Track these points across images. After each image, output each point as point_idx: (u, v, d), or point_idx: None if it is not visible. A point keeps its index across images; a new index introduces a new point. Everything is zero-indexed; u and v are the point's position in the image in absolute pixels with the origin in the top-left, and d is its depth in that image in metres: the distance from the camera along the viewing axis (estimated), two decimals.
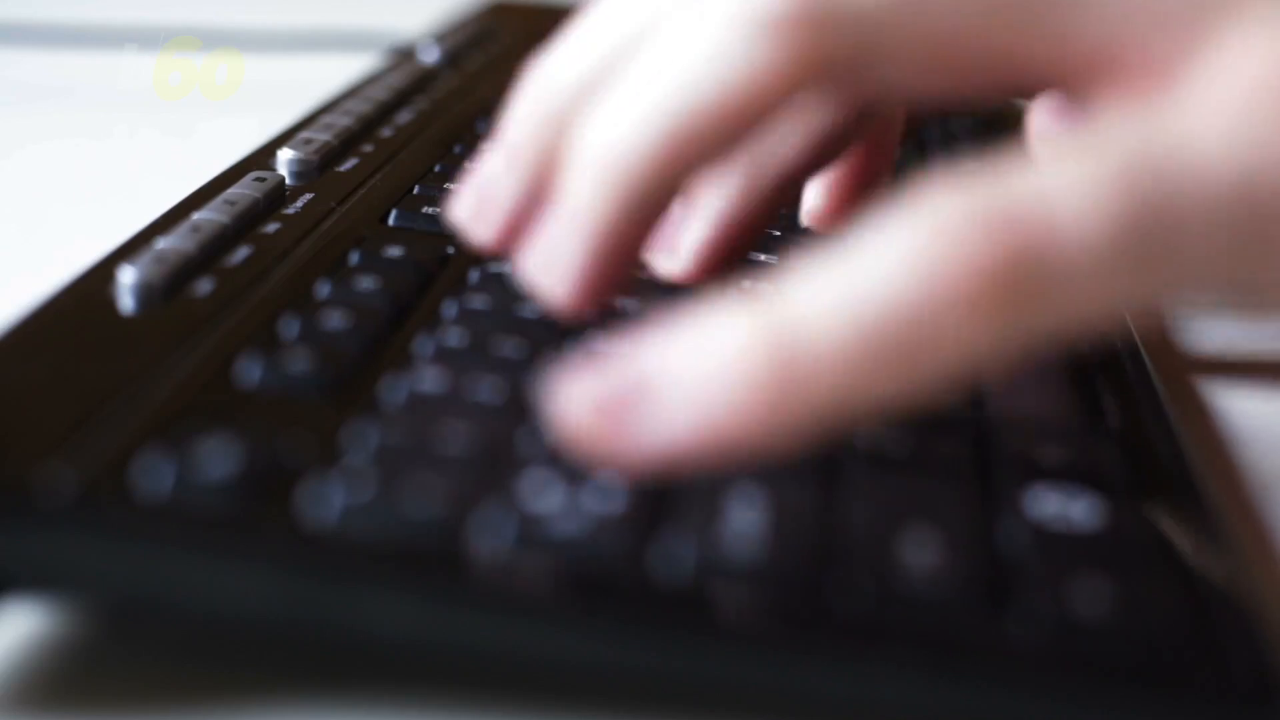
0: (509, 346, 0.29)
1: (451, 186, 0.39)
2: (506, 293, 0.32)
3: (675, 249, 0.32)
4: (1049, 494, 0.26)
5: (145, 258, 0.31)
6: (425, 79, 0.51)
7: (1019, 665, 0.22)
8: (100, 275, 0.30)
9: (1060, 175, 0.22)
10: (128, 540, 0.23)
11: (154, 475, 0.23)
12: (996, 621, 0.23)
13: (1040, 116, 0.36)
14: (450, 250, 0.34)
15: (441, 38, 0.56)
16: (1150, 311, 0.24)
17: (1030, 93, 0.25)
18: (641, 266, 0.28)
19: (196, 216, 0.34)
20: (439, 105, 0.48)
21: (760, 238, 0.33)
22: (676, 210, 0.30)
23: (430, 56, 0.54)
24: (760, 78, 0.24)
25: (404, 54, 0.54)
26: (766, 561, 0.23)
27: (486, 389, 0.27)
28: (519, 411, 0.27)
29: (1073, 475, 0.26)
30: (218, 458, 0.24)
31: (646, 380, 0.22)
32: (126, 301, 0.30)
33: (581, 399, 0.22)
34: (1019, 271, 0.21)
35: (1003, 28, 0.23)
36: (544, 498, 0.24)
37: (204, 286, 0.31)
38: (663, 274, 0.32)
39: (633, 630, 0.23)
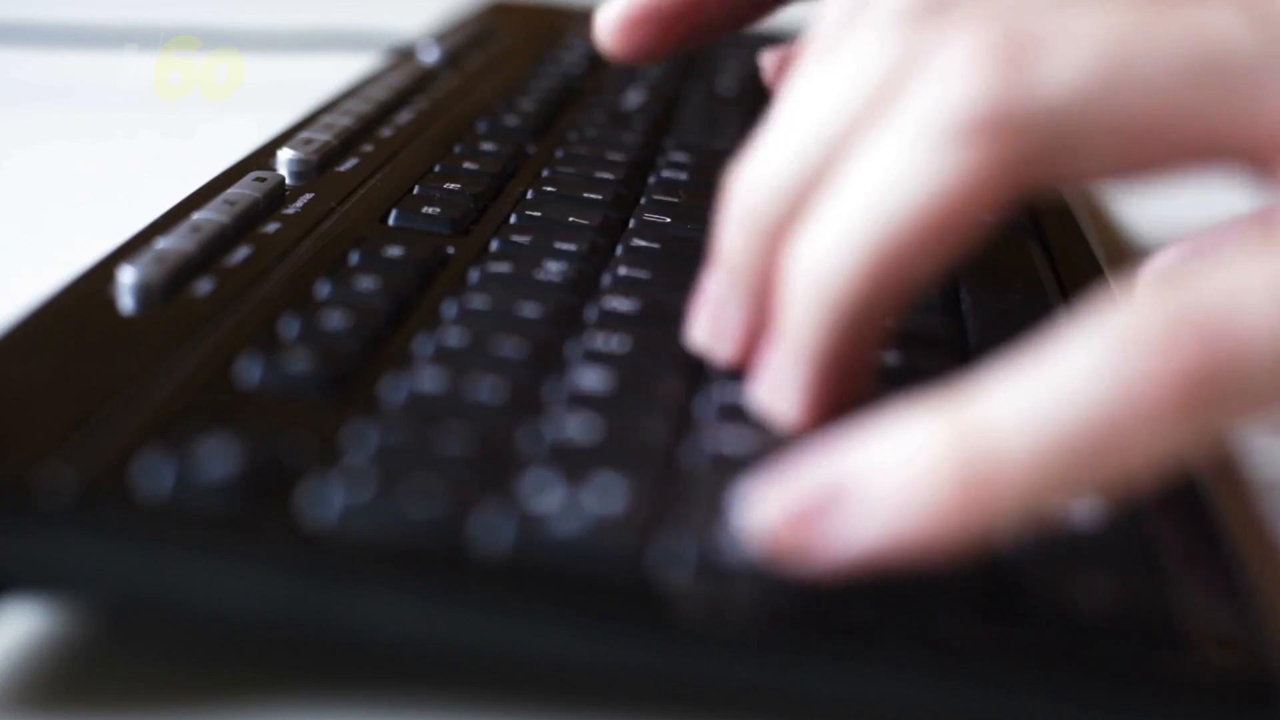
0: (509, 346, 0.29)
1: (450, 196, 0.39)
2: (506, 293, 0.32)
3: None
4: None
5: (145, 258, 0.31)
6: (425, 79, 0.51)
7: (1019, 665, 0.22)
8: (100, 275, 0.31)
9: (1247, 275, 0.21)
10: (128, 540, 0.23)
11: (154, 475, 0.23)
12: (996, 621, 0.23)
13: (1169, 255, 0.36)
14: (450, 250, 0.35)
15: (441, 38, 0.56)
16: None
17: (1218, 171, 0.25)
18: (873, 379, 0.28)
19: (196, 216, 0.34)
20: (439, 105, 0.48)
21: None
22: None
23: (430, 56, 0.54)
24: (958, 189, 0.23)
25: (404, 54, 0.54)
26: (766, 561, 0.23)
27: (486, 389, 0.27)
28: (519, 411, 0.27)
29: None
30: (218, 458, 0.24)
31: (838, 489, 0.22)
32: (126, 301, 0.30)
33: (774, 509, 0.22)
34: (1211, 378, 0.21)
35: (1198, 108, 0.23)
36: (544, 498, 0.24)
37: (204, 286, 0.31)
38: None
39: (633, 630, 0.23)
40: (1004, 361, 0.22)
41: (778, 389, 0.26)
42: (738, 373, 0.28)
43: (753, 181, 0.26)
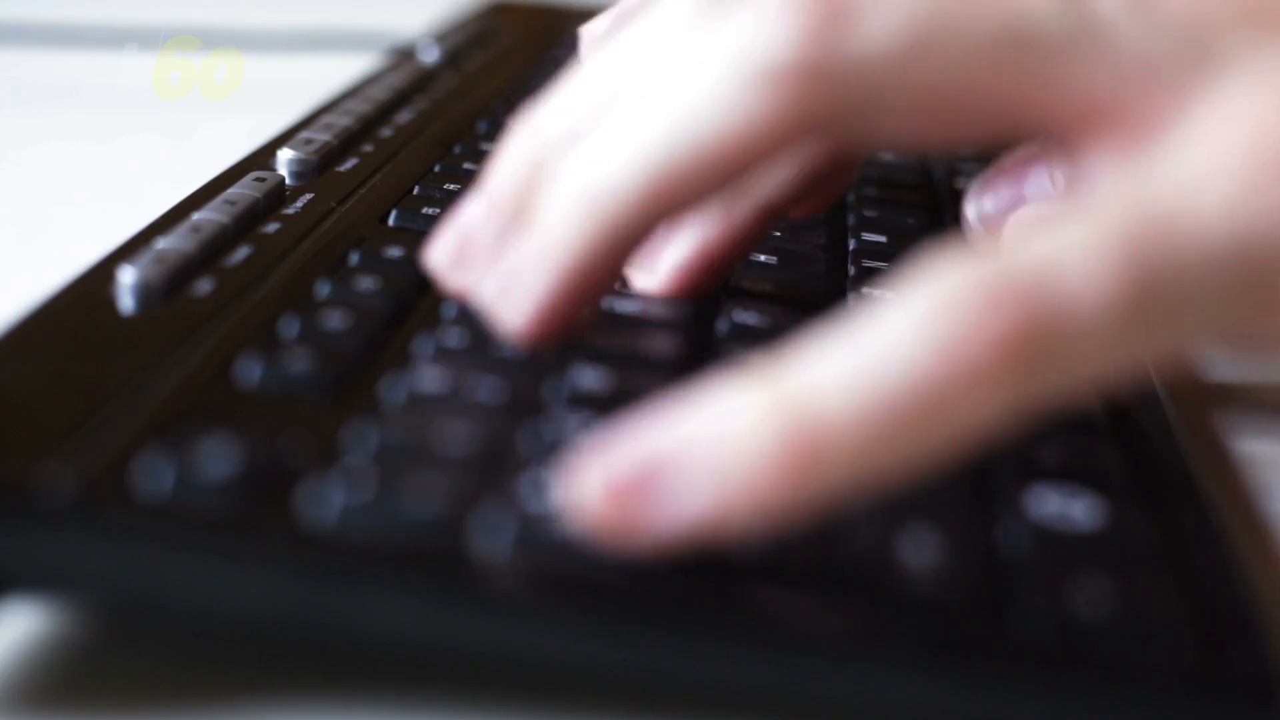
0: (509, 347, 0.29)
1: (449, 197, 0.39)
2: None
3: (654, 267, 0.32)
4: (1049, 494, 0.26)
5: (145, 258, 0.31)
6: (425, 79, 0.51)
7: (1019, 665, 0.22)
8: (100, 275, 0.31)
9: (1063, 242, 0.22)
10: (128, 540, 0.23)
11: (154, 475, 0.23)
12: (996, 621, 0.23)
13: (983, 195, 0.36)
14: None
15: (441, 38, 0.56)
16: (1158, 363, 0.24)
17: (1018, 142, 0.26)
18: (596, 306, 0.28)
19: (196, 216, 0.34)
20: (439, 105, 0.48)
21: (739, 263, 0.34)
22: (662, 230, 0.30)
23: (430, 56, 0.54)
24: (755, 126, 0.24)
25: (404, 54, 0.54)
26: (766, 561, 0.23)
27: (486, 389, 0.27)
28: (519, 411, 0.27)
29: (1073, 475, 0.26)
30: (218, 458, 0.24)
31: (659, 462, 0.22)
32: (126, 301, 0.30)
33: (594, 485, 0.22)
34: (1030, 340, 0.21)
35: (1001, 79, 0.24)
36: (544, 498, 0.24)
37: (204, 286, 0.31)
38: (639, 289, 0.32)
39: (632, 630, 0.23)
40: (825, 331, 0.22)
41: (511, 292, 0.26)
42: None
43: (535, 124, 0.26)
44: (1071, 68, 0.24)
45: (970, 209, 0.37)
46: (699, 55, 0.24)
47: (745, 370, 0.22)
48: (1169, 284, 0.22)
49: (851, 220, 0.40)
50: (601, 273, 0.26)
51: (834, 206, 0.42)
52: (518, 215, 0.26)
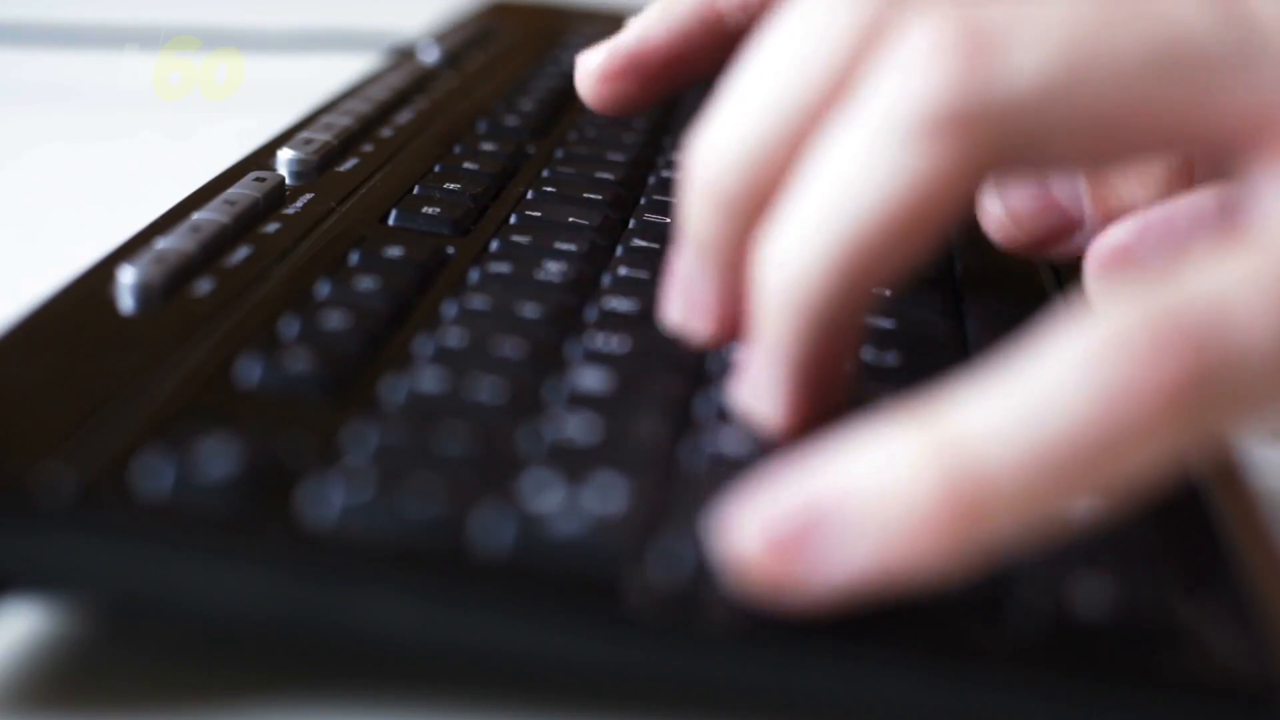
0: (509, 346, 0.29)
1: (449, 196, 0.39)
2: (506, 293, 0.32)
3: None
4: None
5: (145, 258, 0.31)
6: (425, 79, 0.51)
7: (1018, 665, 0.22)
8: (100, 275, 0.30)
9: (1230, 271, 0.21)
10: (128, 540, 0.23)
11: (154, 475, 0.23)
12: (995, 621, 0.23)
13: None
14: (450, 250, 0.35)
15: (441, 38, 0.56)
16: None
17: (1184, 155, 0.25)
18: (853, 376, 0.28)
19: (196, 216, 0.34)
20: (439, 105, 0.48)
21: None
22: None
23: (430, 56, 0.54)
24: (923, 186, 0.23)
25: (404, 54, 0.54)
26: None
27: (486, 389, 0.27)
28: (519, 411, 0.27)
29: None
30: (218, 458, 0.24)
31: (820, 511, 0.21)
32: (126, 301, 0.30)
33: (752, 533, 0.22)
34: (1200, 385, 0.21)
35: (1161, 99, 0.23)
36: (544, 498, 0.24)
37: (204, 286, 0.31)
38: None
39: (632, 630, 0.23)
40: (983, 371, 0.22)
41: (758, 392, 0.26)
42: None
43: (712, 154, 0.26)
44: (1233, 82, 0.23)
45: (989, 196, 0.36)
46: (859, 115, 0.24)
47: (903, 413, 0.22)
48: None
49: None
50: (831, 355, 0.25)
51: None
52: (732, 269, 0.26)
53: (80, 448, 0.24)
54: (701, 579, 0.23)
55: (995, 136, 0.23)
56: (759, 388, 0.26)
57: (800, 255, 0.24)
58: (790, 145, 0.25)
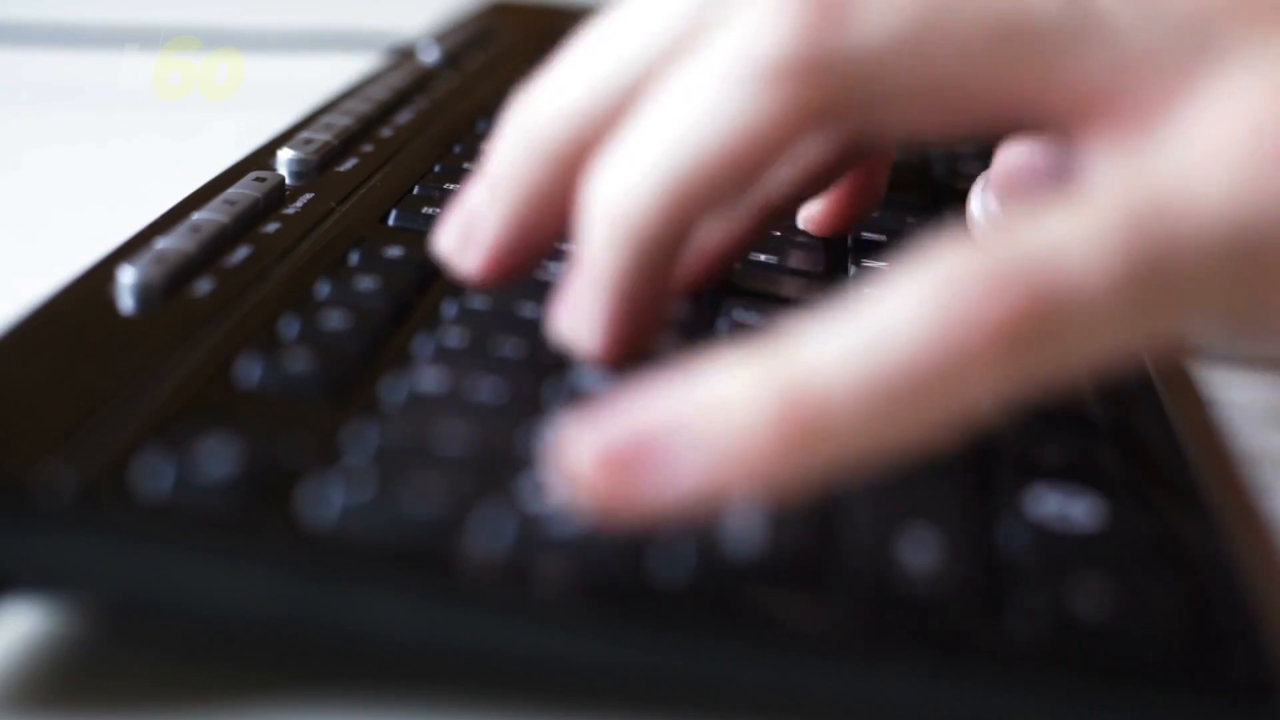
0: (509, 346, 0.29)
1: (449, 197, 0.39)
2: (506, 292, 0.32)
3: None
4: (1049, 494, 0.26)
5: (145, 258, 0.31)
6: (425, 79, 0.51)
7: (1019, 665, 0.22)
8: (100, 275, 0.31)
9: (1065, 226, 0.22)
10: (128, 540, 0.23)
11: (154, 475, 0.23)
12: (996, 621, 0.23)
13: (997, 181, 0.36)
14: None
15: (441, 38, 0.56)
16: (1157, 348, 0.24)
17: (1020, 130, 0.26)
18: (670, 309, 0.29)
19: (196, 216, 0.34)
20: (439, 105, 0.48)
21: (738, 262, 0.34)
22: None
23: (430, 56, 0.54)
24: (762, 127, 0.24)
25: (404, 54, 0.54)
26: (766, 562, 0.23)
27: (486, 389, 0.27)
28: (519, 411, 0.27)
29: (1073, 475, 0.26)
30: (218, 458, 0.24)
31: (653, 434, 0.22)
32: (126, 301, 0.30)
33: (584, 453, 0.22)
34: (1031, 322, 0.21)
35: (1000, 69, 0.24)
36: (544, 498, 0.24)
37: (204, 286, 0.31)
38: None
39: (632, 630, 0.23)
40: (823, 306, 0.22)
41: (578, 318, 0.27)
42: None
43: (540, 104, 0.27)
44: (1070, 58, 0.24)
45: (975, 202, 0.37)
46: (703, 58, 0.25)
47: (742, 346, 0.22)
48: (1168, 267, 0.22)
49: (849, 241, 0.40)
50: (653, 284, 0.26)
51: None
52: (530, 214, 0.27)
53: (80, 448, 0.24)
54: (702, 579, 0.23)
55: (835, 89, 0.24)
56: (580, 315, 0.27)
57: (636, 184, 0.25)
58: (621, 96, 0.26)
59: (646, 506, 0.22)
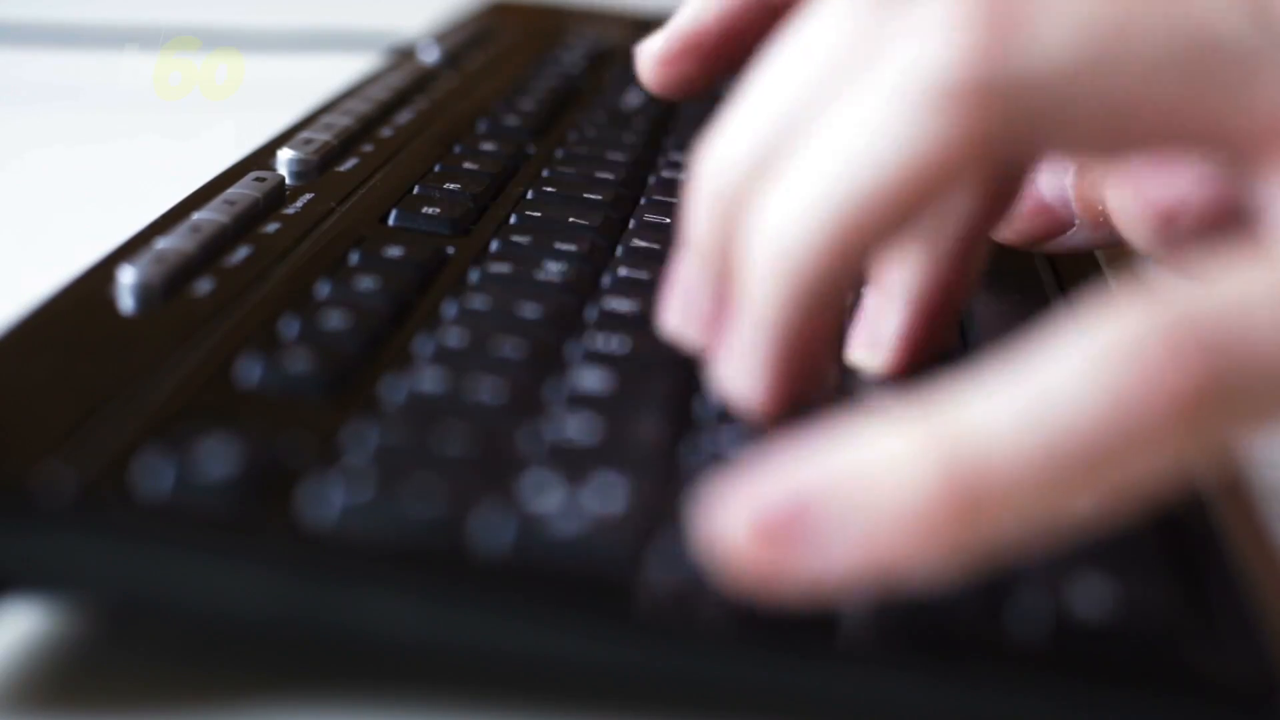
0: (509, 346, 0.29)
1: (449, 196, 0.39)
2: (506, 293, 0.32)
3: (876, 340, 0.29)
4: None
5: (145, 258, 0.31)
6: (425, 79, 0.51)
7: (1019, 665, 0.22)
8: (100, 275, 0.30)
9: (1249, 285, 0.21)
10: (128, 540, 0.23)
11: (154, 475, 0.23)
12: (996, 621, 0.23)
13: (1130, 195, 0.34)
14: (450, 250, 0.35)
15: (441, 38, 0.56)
16: None
17: (1198, 158, 0.25)
18: (838, 358, 0.27)
19: (196, 216, 0.34)
20: (439, 105, 0.48)
21: (964, 305, 0.30)
22: (871, 300, 0.29)
23: (430, 56, 0.54)
24: (931, 156, 0.22)
25: (404, 54, 0.54)
26: (728, 580, 0.23)
27: (486, 389, 0.27)
28: (519, 411, 0.27)
29: None
30: (218, 458, 0.24)
31: (812, 501, 0.21)
32: (126, 301, 0.30)
33: (739, 520, 0.21)
34: (1213, 394, 0.20)
35: (1185, 94, 0.22)
36: (544, 498, 0.24)
37: (204, 286, 0.31)
38: (868, 370, 0.29)
39: (632, 631, 0.23)
40: (988, 368, 0.21)
41: (739, 366, 0.25)
42: None
43: (718, 159, 0.25)
44: (1255, 84, 0.22)
45: (1113, 197, 0.34)
46: (867, 84, 0.23)
47: (904, 405, 0.21)
48: None
49: None
50: (818, 329, 0.24)
51: None
52: (725, 267, 0.25)
53: (80, 448, 0.24)
54: (701, 579, 0.23)
55: (1010, 112, 0.22)
56: (741, 364, 0.25)
57: (798, 219, 0.23)
58: (794, 131, 0.24)
59: (806, 580, 0.21)
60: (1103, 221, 0.35)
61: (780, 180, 0.24)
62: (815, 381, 0.25)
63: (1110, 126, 0.23)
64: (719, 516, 0.21)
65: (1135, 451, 0.20)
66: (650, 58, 0.39)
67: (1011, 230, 0.36)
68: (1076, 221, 0.35)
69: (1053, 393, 0.20)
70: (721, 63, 0.39)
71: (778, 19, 0.37)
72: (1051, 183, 0.35)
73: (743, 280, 0.24)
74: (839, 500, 0.21)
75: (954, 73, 0.22)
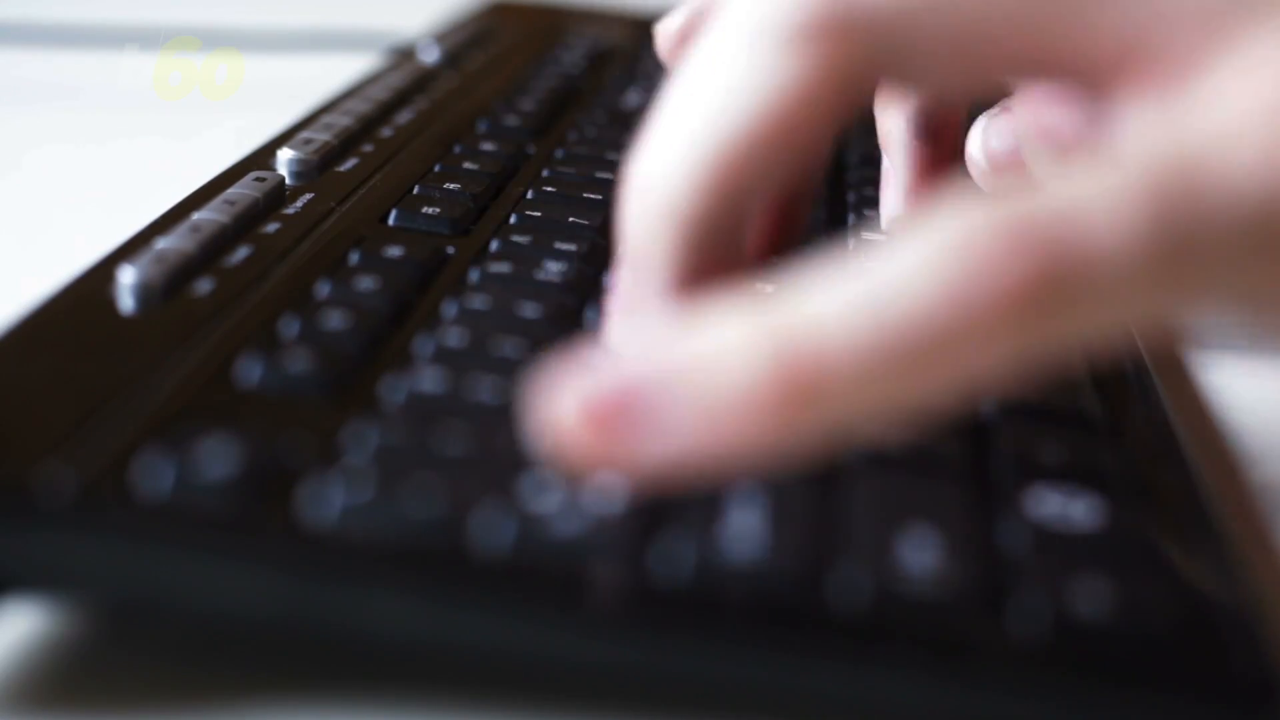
0: (509, 346, 0.29)
1: (449, 196, 0.39)
2: (506, 293, 0.32)
3: None
4: (1049, 494, 0.26)
5: (145, 258, 0.31)
6: (425, 79, 0.51)
7: (1019, 665, 0.22)
8: (100, 275, 0.31)
9: (1089, 186, 0.21)
10: (128, 540, 0.23)
11: (154, 475, 0.23)
12: (996, 621, 0.23)
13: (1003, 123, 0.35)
14: (450, 250, 0.35)
15: (441, 38, 0.56)
16: (1169, 326, 0.23)
17: (1052, 83, 0.25)
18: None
19: (196, 216, 0.34)
20: (439, 105, 0.48)
21: (811, 219, 0.31)
22: None
23: (430, 56, 0.54)
24: (791, 94, 0.23)
25: (404, 54, 0.54)
26: (766, 562, 0.23)
27: (486, 389, 0.27)
28: (519, 411, 0.27)
29: (1073, 475, 0.26)
30: (218, 458, 0.24)
31: (643, 387, 0.21)
32: (126, 301, 0.30)
33: (571, 406, 0.21)
34: (1047, 286, 0.20)
35: (1032, 18, 0.23)
36: (544, 498, 0.24)
37: (204, 286, 0.31)
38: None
39: (633, 630, 0.23)
40: (828, 264, 0.21)
41: (634, 318, 0.25)
42: None
43: (641, 168, 0.25)
44: (1099, 11, 0.23)
45: (974, 141, 0.36)
46: (721, 32, 0.24)
47: (738, 297, 0.21)
48: (1194, 237, 0.21)
49: (851, 199, 0.40)
50: (710, 265, 0.24)
51: (833, 186, 0.42)
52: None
53: (80, 448, 0.24)
54: (702, 578, 0.23)
55: (860, 47, 0.23)
56: (635, 314, 0.25)
57: (670, 165, 0.24)
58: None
59: (635, 464, 0.21)
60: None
61: (651, 131, 0.24)
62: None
63: (959, 56, 0.23)
64: (553, 400, 0.21)
65: (967, 344, 0.20)
66: (669, 35, 0.39)
67: (999, 178, 0.36)
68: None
69: (887, 284, 0.21)
70: None
71: None
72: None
73: (627, 231, 0.25)
74: (670, 387, 0.21)
75: (801, 13, 0.23)
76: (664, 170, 0.24)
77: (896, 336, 0.20)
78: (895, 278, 0.21)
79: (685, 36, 0.39)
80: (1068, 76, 0.24)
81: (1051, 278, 0.20)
